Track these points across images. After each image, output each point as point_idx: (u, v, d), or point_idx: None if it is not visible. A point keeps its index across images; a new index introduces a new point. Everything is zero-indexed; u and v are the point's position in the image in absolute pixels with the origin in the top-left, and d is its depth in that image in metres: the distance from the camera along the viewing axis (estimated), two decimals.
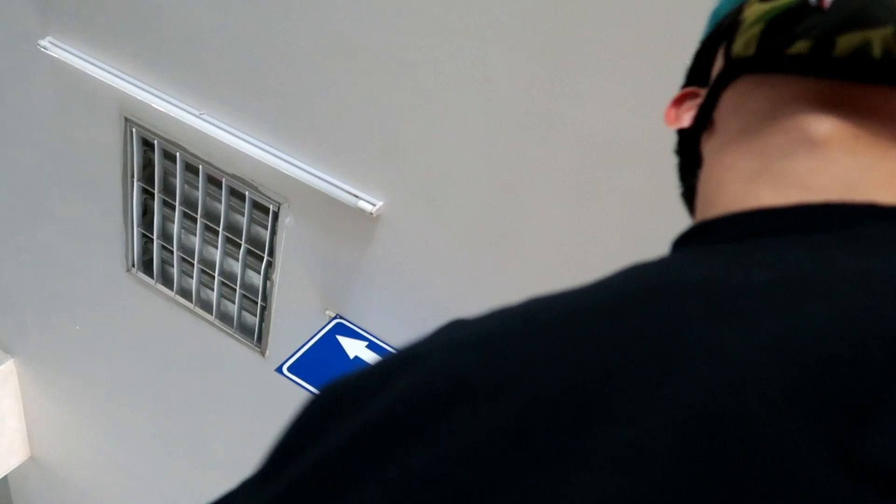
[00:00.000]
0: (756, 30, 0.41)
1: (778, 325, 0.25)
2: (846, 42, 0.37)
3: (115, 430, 3.07)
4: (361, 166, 1.81)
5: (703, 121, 0.48)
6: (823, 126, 0.39)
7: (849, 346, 0.23)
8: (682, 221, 0.53)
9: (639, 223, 1.51)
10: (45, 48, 2.10)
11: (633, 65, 1.39)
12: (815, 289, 0.27)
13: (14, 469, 3.55)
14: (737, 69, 0.43)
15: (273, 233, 2.08)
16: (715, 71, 0.47)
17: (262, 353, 2.31)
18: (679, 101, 0.52)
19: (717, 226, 0.40)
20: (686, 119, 0.49)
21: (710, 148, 0.46)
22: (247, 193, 2.04)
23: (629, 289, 0.31)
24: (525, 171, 1.59)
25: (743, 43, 0.42)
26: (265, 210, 2.06)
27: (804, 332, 0.24)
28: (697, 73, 0.53)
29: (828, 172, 0.38)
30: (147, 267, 2.46)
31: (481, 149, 1.62)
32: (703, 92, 0.50)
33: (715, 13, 0.54)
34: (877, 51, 0.37)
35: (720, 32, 0.49)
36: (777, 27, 0.40)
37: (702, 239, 0.40)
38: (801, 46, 0.39)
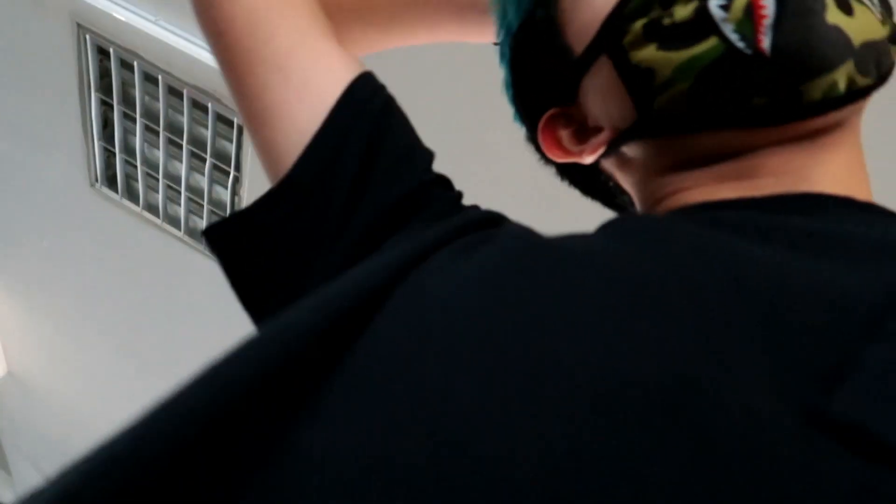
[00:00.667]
0: (683, 87, 0.37)
1: (762, 294, 0.25)
2: (813, 89, 0.36)
3: (90, 344, 3.09)
4: None
5: (608, 155, 0.45)
6: (779, 158, 0.38)
7: (829, 314, 0.24)
8: None
9: None
10: None
11: None
12: (803, 259, 0.28)
13: None
14: (664, 125, 0.39)
15: (239, 147, 2.02)
16: (596, 96, 0.43)
17: None
18: (552, 128, 0.48)
19: (699, 208, 0.39)
20: (588, 158, 0.46)
21: (633, 176, 0.45)
22: (209, 105, 1.97)
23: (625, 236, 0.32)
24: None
25: (668, 100, 0.38)
26: (230, 123, 1.99)
27: (786, 302, 0.24)
28: (540, 87, 0.48)
29: (786, 184, 0.38)
30: (111, 182, 2.40)
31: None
32: (576, 114, 0.46)
33: None
34: (842, 87, 0.36)
35: (541, 33, 0.45)
36: (709, 82, 0.37)
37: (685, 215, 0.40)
38: (758, 103, 0.36)
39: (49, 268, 2.92)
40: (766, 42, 0.35)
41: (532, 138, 0.54)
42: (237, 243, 0.44)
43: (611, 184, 0.50)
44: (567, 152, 0.47)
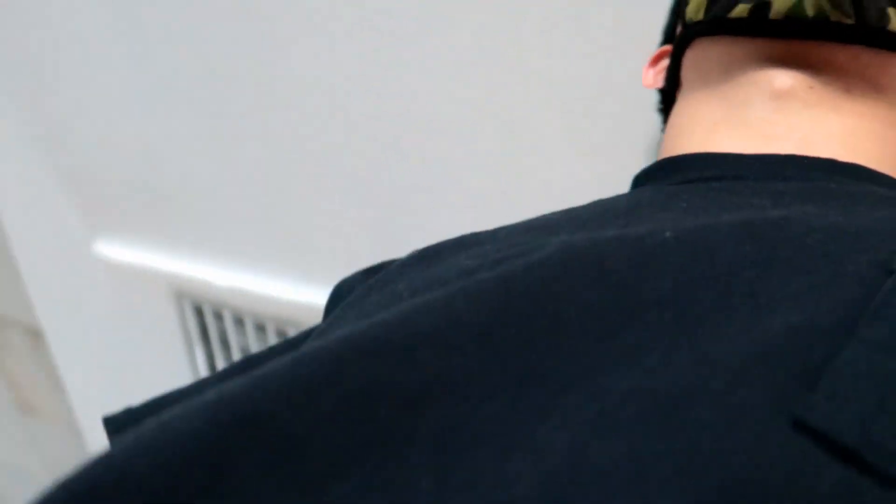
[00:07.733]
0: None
1: (743, 281, 0.25)
2: (780, 4, 0.39)
3: None
4: None
5: (673, 81, 0.51)
6: (778, 80, 0.41)
7: (807, 310, 0.23)
8: None
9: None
10: (97, 252, 2.27)
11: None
12: (780, 240, 0.27)
13: None
14: (691, 33, 0.47)
15: None
16: (678, 32, 0.51)
17: None
18: (655, 61, 0.56)
19: (683, 164, 0.42)
20: (659, 80, 0.53)
21: (677, 102, 0.50)
22: (289, 332, 2.12)
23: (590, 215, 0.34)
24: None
25: (694, 8, 0.45)
26: None
27: (765, 294, 0.24)
28: (671, 31, 0.57)
29: (785, 123, 0.40)
30: None
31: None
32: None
33: None
34: (809, 10, 0.39)
35: None
36: None
37: (667, 178, 0.42)
38: (741, 10, 0.41)
39: None
40: None
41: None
42: None
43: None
44: (652, 79, 0.54)
